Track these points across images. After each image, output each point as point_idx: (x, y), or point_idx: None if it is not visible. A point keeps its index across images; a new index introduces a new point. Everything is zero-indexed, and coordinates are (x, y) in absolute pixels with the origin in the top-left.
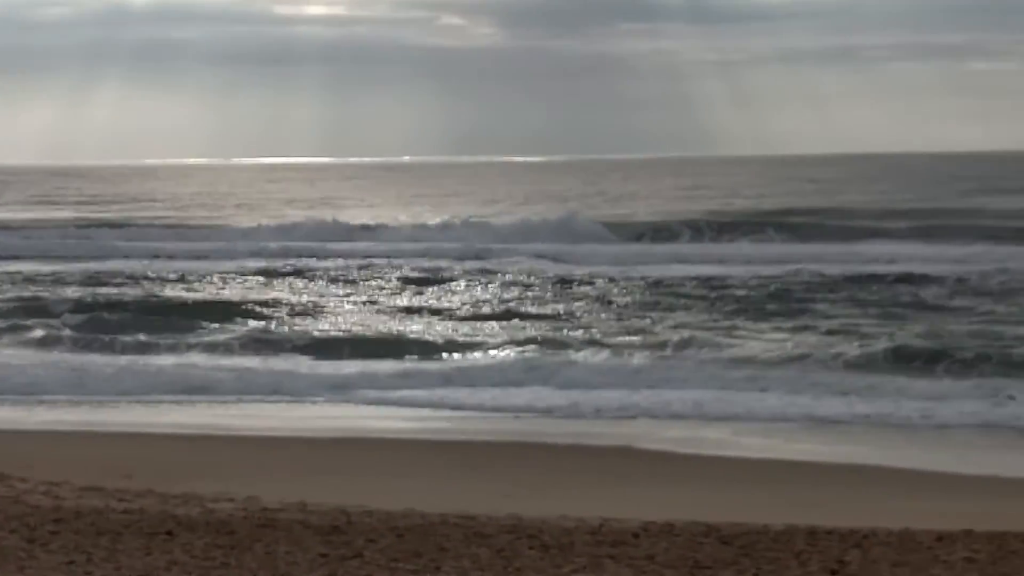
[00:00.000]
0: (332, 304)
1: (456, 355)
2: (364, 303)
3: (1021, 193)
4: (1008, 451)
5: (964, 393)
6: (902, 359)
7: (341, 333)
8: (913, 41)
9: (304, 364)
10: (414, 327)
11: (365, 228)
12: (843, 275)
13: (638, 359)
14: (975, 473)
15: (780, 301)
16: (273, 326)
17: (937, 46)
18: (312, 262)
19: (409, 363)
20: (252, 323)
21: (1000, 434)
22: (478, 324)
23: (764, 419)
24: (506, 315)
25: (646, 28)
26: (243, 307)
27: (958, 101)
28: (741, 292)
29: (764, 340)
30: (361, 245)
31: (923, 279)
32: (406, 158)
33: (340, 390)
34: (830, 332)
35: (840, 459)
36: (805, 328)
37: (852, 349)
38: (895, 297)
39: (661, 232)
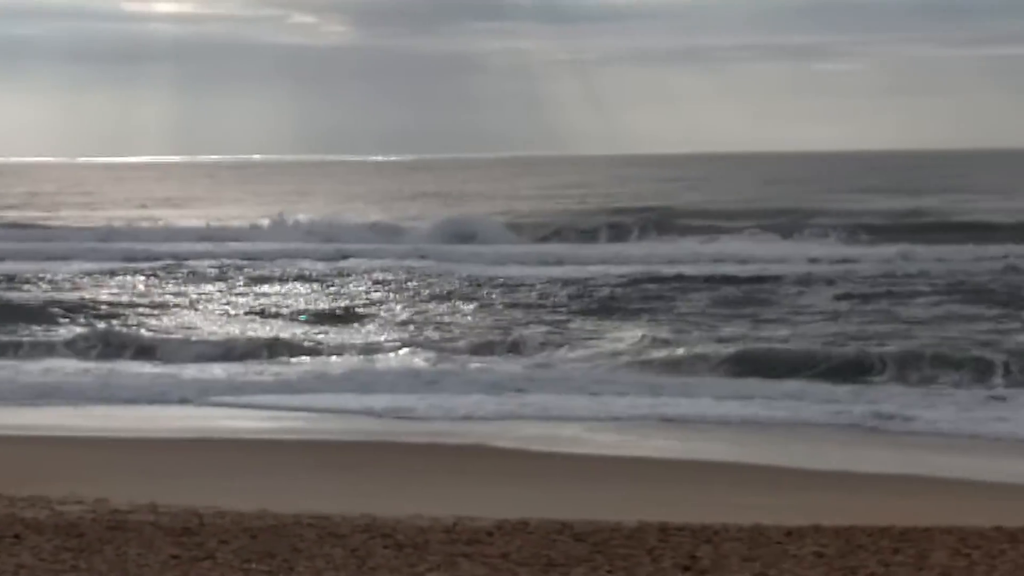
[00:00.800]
0: (180, 305)
1: (307, 357)
2: (215, 304)
3: (867, 192)
4: (856, 447)
5: (813, 392)
6: (751, 359)
7: (189, 334)
8: (761, 42)
9: (151, 365)
10: (260, 328)
11: (211, 228)
12: (699, 274)
13: (495, 360)
14: (824, 468)
15: (634, 301)
16: (116, 327)
17: (784, 47)
18: (165, 262)
19: (261, 365)
20: (90, 324)
21: (849, 431)
22: (330, 325)
23: (617, 418)
24: (358, 316)
25: (499, 27)
26: (82, 308)
27: (804, 101)
28: (599, 292)
29: (615, 340)
30: (204, 246)
31: (776, 279)
32: (256, 156)
33: (190, 391)
34: (680, 331)
35: (691, 456)
36: (657, 327)
37: (702, 349)
38: (749, 296)
39: (525, 232)
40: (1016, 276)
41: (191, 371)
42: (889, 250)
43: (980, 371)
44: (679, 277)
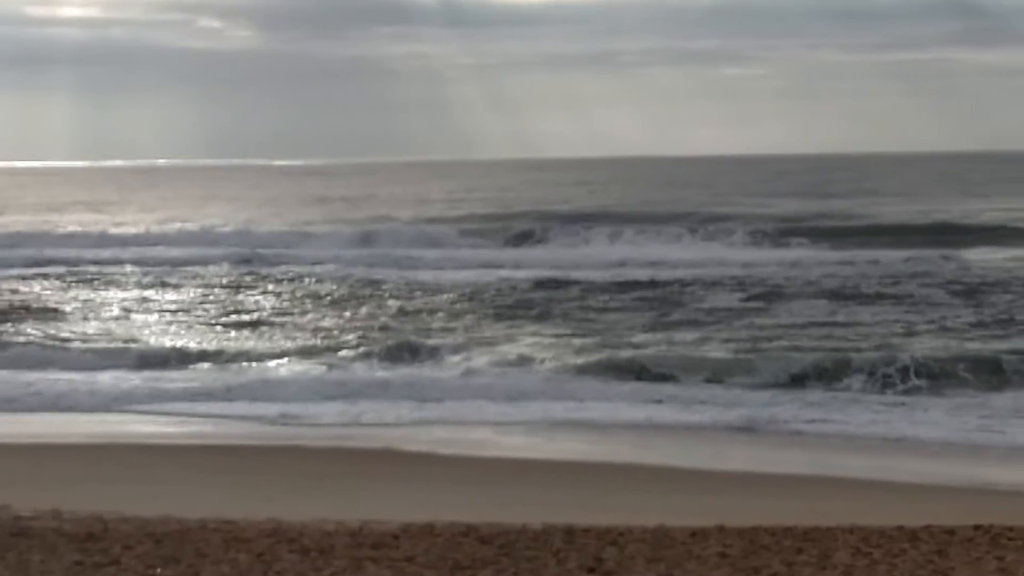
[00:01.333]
0: (80, 311)
1: (212, 363)
2: (120, 310)
3: (770, 196)
4: (761, 448)
5: (716, 395)
6: (652, 362)
7: (93, 341)
8: (669, 46)
9: (52, 371)
10: (166, 335)
11: (116, 234)
12: (607, 280)
13: (402, 365)
14: (727, 469)
15: (539, 305)
16: (12, 332)
17: (691, 51)
18: (60, 268)
19: (165, 371)
20: None
21: (750, 432)
22: (237, 331)
23: (523, 422)
24: (263, 323)
25: (405, 31)
26: None
27: (711, 105)
28: (504, 296)
29: (519, 344)
30: (110, 251)
31: (682, 282)
32: (161, 161)
33: (93, 397)
34: (585, 335)
35: (596, 459)
36: (562, 331)
37: (606, 353)
38: (656, 298)
39: (433, 236)
40: (917, 279)
41: (95, 378)
42: (792, 253)
43: (883, 373)
44: (583, 281)
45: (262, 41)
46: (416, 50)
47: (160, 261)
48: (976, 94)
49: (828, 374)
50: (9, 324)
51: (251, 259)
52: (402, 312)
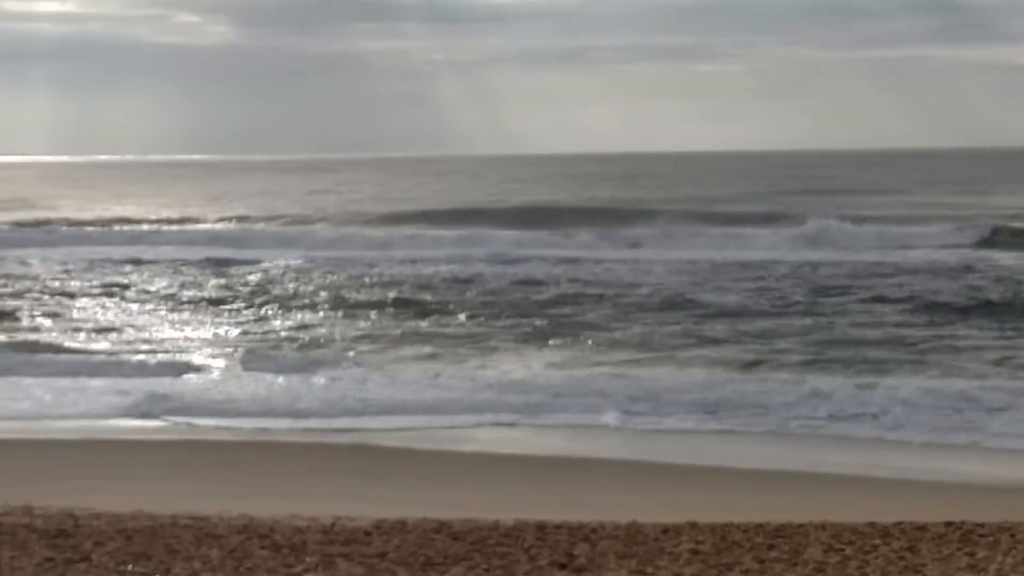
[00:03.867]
0: (46, 304)
1: (188, 352)
2: (94, 303)
3: (742, 190)
4: (731, 444)
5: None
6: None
7: (64, 336)
8: (645, 42)
9: (17, 361)
10: (135, 328)
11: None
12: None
13: (376, 358)
14: (700, 464)
15: (506, 305)
16: None
17: (668, 47)
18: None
19: (138, 360)
20: None
21: (724, 431)
22: (198, 327)
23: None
24: (224, 313)
25: (384, 28)
26: None
27: (687, 102)
28: (482, 293)
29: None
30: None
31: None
32: (129, 156)
33: (62, 391)
34: (556, 330)
35: (568, 454)
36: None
37: (577, 350)
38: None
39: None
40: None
41: (65, 367)
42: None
43: (856, 367)
44: (561, 280)
45: (240, 36)
46: (394, 46)
47: (140, 259)
48: (953, 90)
49: (795, 368)
50: None
51: (225, 258)
52: (358, 304)
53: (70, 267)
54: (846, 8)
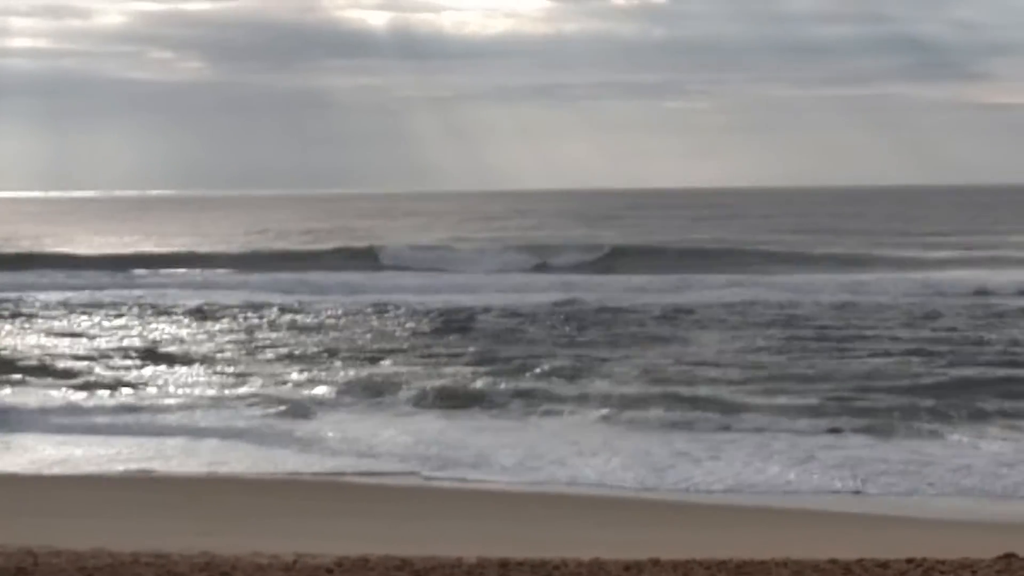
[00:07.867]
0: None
1: (153, 389)
2: (64, 338)
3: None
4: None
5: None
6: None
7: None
8: (614, 79)
9: None
10: (103, 365)
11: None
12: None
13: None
14: (663, 500)
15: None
16: None
17: (638, 85)
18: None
19: (101, 402)
20: None
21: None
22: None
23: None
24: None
25: (356, 64)
26: None
27: (659, 138)
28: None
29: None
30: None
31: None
32: (94, 193)
33: (20, 425)
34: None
35: (531, 490)
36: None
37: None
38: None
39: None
40: (849, 311)
41: (25, 402)
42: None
43: (814, 407)
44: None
45: (213, 73)
46: (367, 83)
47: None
48: (919, 128)
49: (759, 404)
50: None
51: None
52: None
53: None
54: (812, 46)
